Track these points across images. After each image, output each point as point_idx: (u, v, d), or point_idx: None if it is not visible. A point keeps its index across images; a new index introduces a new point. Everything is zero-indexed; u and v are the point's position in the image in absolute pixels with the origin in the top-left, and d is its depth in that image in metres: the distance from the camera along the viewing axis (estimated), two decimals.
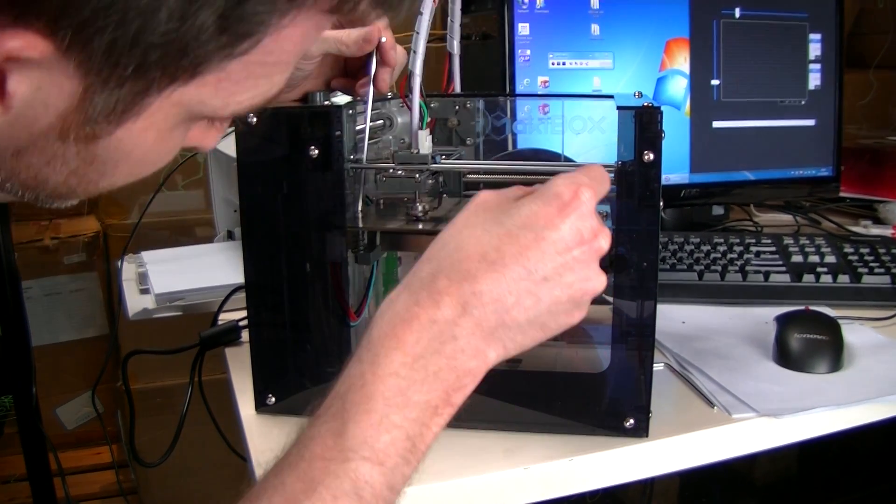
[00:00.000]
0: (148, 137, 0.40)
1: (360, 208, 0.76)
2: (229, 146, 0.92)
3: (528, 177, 0.71)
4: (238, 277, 0.99)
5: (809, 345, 0.84)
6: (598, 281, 0.57)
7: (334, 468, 0.49)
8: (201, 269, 1.18)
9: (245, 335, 0.94)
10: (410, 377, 0.52)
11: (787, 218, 1.41)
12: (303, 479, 0.49)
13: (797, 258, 1.09)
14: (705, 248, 1.11)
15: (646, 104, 0.66)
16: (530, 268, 0.54)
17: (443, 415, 0.53)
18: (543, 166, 0.75)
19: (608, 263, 0.72)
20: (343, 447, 0.49)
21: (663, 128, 0.66)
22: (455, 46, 0.78)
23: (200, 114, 0.41)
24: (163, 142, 0.42)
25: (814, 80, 1.31)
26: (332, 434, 0.50)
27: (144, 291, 1.16)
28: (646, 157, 0.66)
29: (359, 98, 0.78)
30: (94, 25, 0.33)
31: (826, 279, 1.04)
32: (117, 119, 0.38)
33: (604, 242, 0.57)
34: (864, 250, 1.11)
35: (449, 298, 0.53)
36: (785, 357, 0.85)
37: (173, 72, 0.37)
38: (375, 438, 0.50)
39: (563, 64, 1.20)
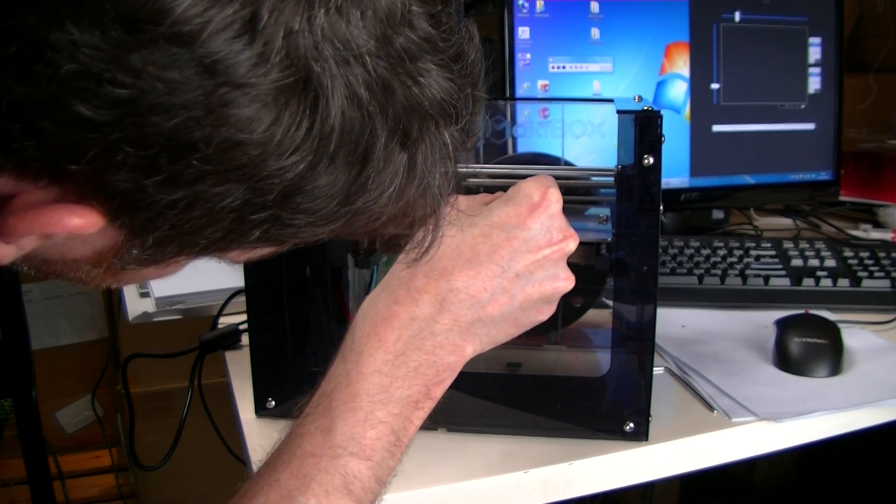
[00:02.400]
0: (168, 270, 0.43)
1: None
2: None
3: None
4: (238, 281, 0.99)
5: (809, 349, 0.84)
6: (567, 280, 0.60)
7: (325, 464, 0.51)
8: (201, 273, 1.18)
9: (245, 339, 0.94)
10: (393, 374, 0.54)
11: (786, 222, 1.41)
12: (296, 476, 0.51)
13: (797, 262, 1.09)
14: (705, 251, 1.11)
15: (646, 108, 0.66)
16: (503, 265, 0.57)
17: (423, 408, 0.55)
18: (543, 170, 0.75)
19: (608, 267, 0.72)
20: (332, 444, 0.52)
21: (663, 132, 0.66)
22: None
23: (220, 259, 0.44)
24: (179, 269, 0.44)
25: (814, 84, 1.31)
26: (322, 431, 0.52)
27: (144, 295, 1.16)
28: (646, 161, 0.66)
29: None
30: (151, 224, 0.35)
31: (826, 283, 1.04)
32: (147, 265, 0.40)
33: (572, 244, 0.59)
34: (864, 254, 1.11)
35: (427, 296, 0.55)
36: (785, 361, 0.85)
37: (209, 252, 0.39)
38: (362, 434, 0.52)
39: (564, 68, 1.20)
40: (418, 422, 0.55)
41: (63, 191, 0.34)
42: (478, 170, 0.82)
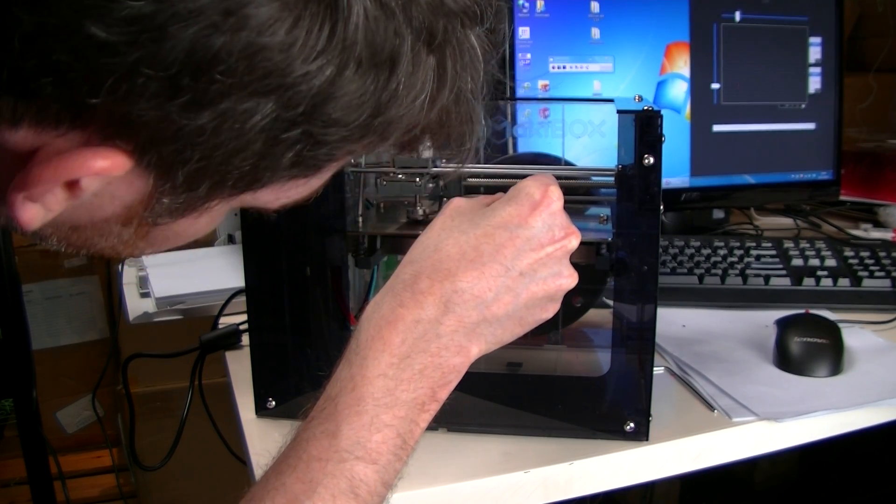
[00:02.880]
0: (201, 222, 0.42)
1: (360, 212, 0.76)
2: None
3: None
4: (238, 281, 0.99)
5: (810, 348, 0.84)
6: (570, 277, 0.59)
7: (331, 468, 0.51)
8: (202, 273, 1.18)
9: (245, 339, 0.94)
10: (398, 377, 0.54)
11: (787, 221, 1.41)
12: (302, 480, 0.51)
13: (797, 262, 1.09)
14: (706, 251, 1.11)
15: (646, 108, 0.66)
16: (507, 265, 0.56)
17: (429, 410, 0.55)
18: (543, 170, 0.75)
19: (609, 267, 0.72)
20: (338, 448, 0.51)
21: (663, 131, 0.66)
22: None
23: (252, 205, 0.43)
24: (212, 222, 0.43)
25: (814, 84, 1.31)
26: (327, 436, 0.52)
27: (145, 295, 1.16)
28: (646, 160, 0.66)
29: None
30: (180, 157, 0.34)
31: (826, 283, 1.04)
32: (180, 215, 0.39)
33: (574, 241, 0.59)
34: (865, 254, 1.11)
35: (432, 298, 0.55)
36: (785, 361, 0.85)
37: (242, 189, 0.38)
38: (367, 438, 0.52)
39: (564, 67, 1.20)
40: (424, 424, 0.55)
41: (85, 135, 0.33)
42: (478, 170, 0.83)
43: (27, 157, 0.34)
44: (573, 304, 0.80)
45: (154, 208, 0.37)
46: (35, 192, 0.35)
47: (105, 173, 0.34)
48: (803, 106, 1.30)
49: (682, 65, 1.23)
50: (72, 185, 0.35)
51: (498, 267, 0.56)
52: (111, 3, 0.29)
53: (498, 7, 0.40)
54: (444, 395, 0.55)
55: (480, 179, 0.83)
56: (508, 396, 0.73)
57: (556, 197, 0.58)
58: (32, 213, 0.35)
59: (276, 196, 0.42)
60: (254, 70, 0.32)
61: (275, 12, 0.31)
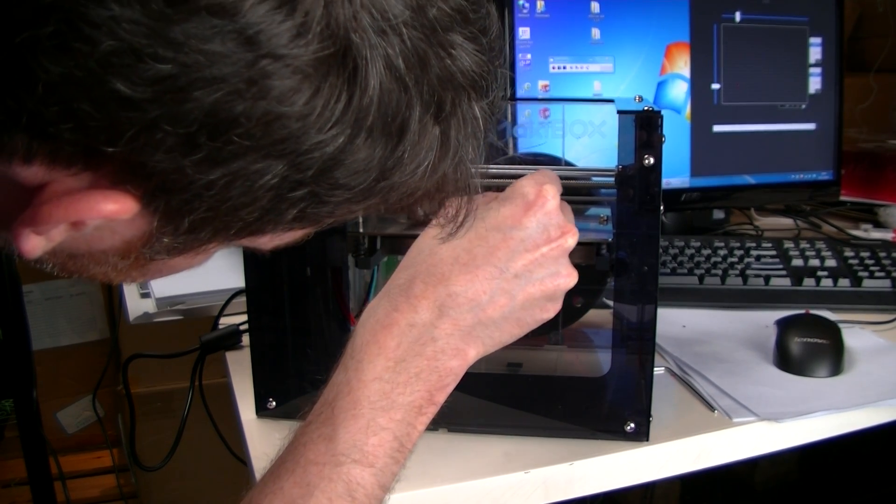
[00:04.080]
0: (197, 259, 0.43)
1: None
2: None
3: None
4: (239, 281, 0.99)
5: (810, 349, 0.84)
6: (569, 276, 0.59)
7: (328, 472, 0.51)
8: (202, 273, 1.18)
9: (246, 339, 0.94)
10: (394, 380, 0.54)
11: (787, 222, 1.41)
12: (300, 484, 0.51)
13: (797, 262, 1.09)
14: (706, 252, 1.11)
15: (646, 108, 0.66)
16: (501, 266, 0.56)
17: (427, 413, 0.55)
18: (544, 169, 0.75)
19: (609, 268, 0.72)
20: (335, 451, 0.52)
21: (664, 132, 0.66)
22: None
23: (247, 246, 0.44)
24: (207, 258, 0.44)
25: (814, 84, 1.31)
26: (324, 440, 0.52)
27: (145, 295, 1.16)
28: (646, 161, 0.66)
29: None
30: (188, 206, 0.35)
31: (826, 283, 1.04)
32: (178, 253, 0.39)
33: (571, 240, 0.59)
34: (865, 254, 1.11)
35: (426, 302, 0.55)
36: (785, 361, 0.85)
37: (244, 236, 0.39)
38: (364, 442, 0.52)
39: (564, 68, 1.20)
40: (421, 427, 0.55)
41: (96, 176, 0.34)
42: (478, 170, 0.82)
43: (35, 190, 0.35)
44: (573, 304, 0.80)
45: (153, 246, 0.38)
46: (42, 228, 0.35)
47: (112, 216, 0.34)
48: (803, 106, 1.30)
49: (682, 65, 1.23)
50: (76, 221, 0.36)
51: (491, 269, 0.56)
52: (138, 62, 0.30)
53: (502, 75, 0.41)
54: (441, 398, 0.55)
55: (480, 180, 0.82)
56: (509, 397, 0.73)
57: (550, 196, 0.58)
58: (35, 244, 0.36)
59: (272, 239, 0.43)
60: (270, 135, 0.33)
61: (296, 84, 0.32)
